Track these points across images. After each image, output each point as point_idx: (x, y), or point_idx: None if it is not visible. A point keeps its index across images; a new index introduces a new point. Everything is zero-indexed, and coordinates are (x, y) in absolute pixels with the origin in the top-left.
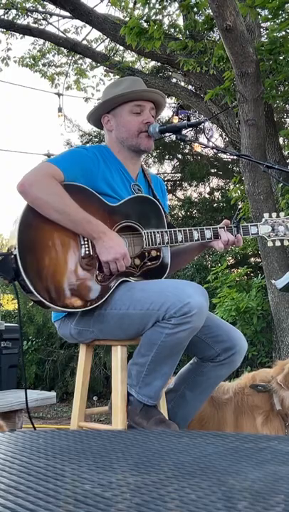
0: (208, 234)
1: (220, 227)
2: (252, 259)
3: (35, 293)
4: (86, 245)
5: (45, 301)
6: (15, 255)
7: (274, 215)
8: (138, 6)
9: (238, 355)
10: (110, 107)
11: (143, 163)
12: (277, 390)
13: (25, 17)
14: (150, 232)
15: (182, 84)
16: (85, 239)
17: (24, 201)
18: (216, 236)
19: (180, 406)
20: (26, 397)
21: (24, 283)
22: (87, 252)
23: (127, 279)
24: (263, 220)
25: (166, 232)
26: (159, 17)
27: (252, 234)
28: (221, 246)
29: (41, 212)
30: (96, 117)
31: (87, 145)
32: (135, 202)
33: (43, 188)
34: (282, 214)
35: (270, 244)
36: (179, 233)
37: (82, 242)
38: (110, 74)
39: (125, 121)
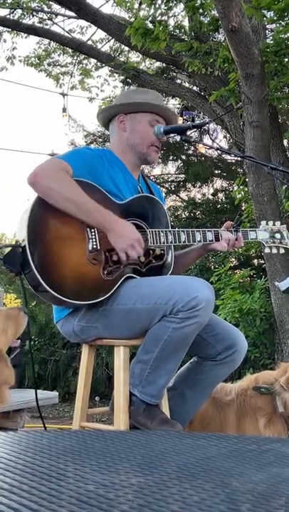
0: (210, 236)
1: (221, 230)
2: (255, 261)
3: (43, 283)
4: (93, 240)
5: (53, 291)
6: (23, 247)
7: (271, 223)
8: (143, 6)
9: (238, 353)
10: (131, 110)
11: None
12: (280, 393)
13: (31, 17)
14: (155, 231)
15: (187, 85)
16: (93, 233)
17: (33, 196)
18: (218, 238)
19: (179, 405)
20: (36, 397)
21: (33, 275)
22: (94, 247)
23: (132, 275)
24: (261, 226)
25: (170, 231)
26: (165, 18)
27: (251, 238)
28: (224, 245)
29: (52, 203)
30: (109, 115)
31: (92, 146)
32: (141, 201)
33: (54, 178)
34: (278, 222)
35: (267, 250)
36: (182, 233)
37: (90, 237)
38: (115, 74)
39: (142, 129)
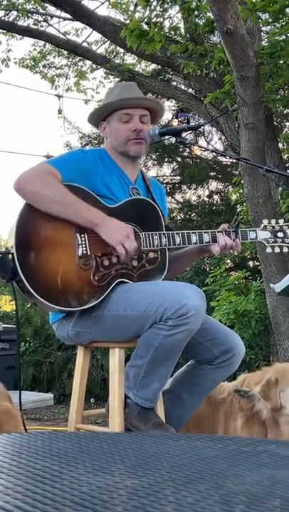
0: (206, 237)
1: (218, 231)
2: (250, 263)
3: (33, 292)
4: (83, 245)
5: (43, 299)
6: (12, 254)
7: (273, 221)
8: (139, 8)
9: (235, 357)
10: (104, 115)
11: (143, 168)
12: (255, 400)
13: (26, 18)
14: (148, 234)
15: (182, 87)
16: (83, 239)
17: (21, 202)
18: (214, 240)
19: (176, 407)
20: (20, 399)
21: (22, 283)
22: (84, 252)
23: (124, 280)
24: (262, 225)
25: (164, 234)
26: (160, 19)
27: (250, 239)
28: (218, 249)
29: (41, 207)
30: (94, 123)
31: (87, 148)
32: (133, 204)
33: (40, 182)
34: (281, 221)
35: (268, 250)
36: (177, 236)
37: (80, 242)
38: (110, 76)
39: (115, 129)
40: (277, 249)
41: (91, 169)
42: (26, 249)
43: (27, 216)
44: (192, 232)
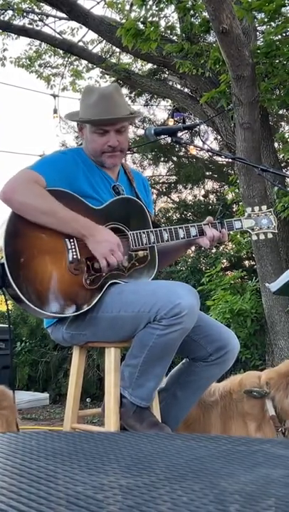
0: (193, 231)
1: (204, 224)
2: (246, 262)
3: (26, 300)
4: (73, 250)
5: (35, 307)
6: (2, 264)
7: (256, 208)
8: (134, 7)
9: (230, 354)
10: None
11: (137, 166)
12: (274, 396)
13: (22, 18)
14: (136, 233)
15: (178, 86)
16: (72, 243)
17: (8, 210)
18: (202, 233)
19: (172, 406)
20: (14, 398)
21: (14, 292)
22: (74, 257)
23: (116, 281)
24: (246, 214)
25: (151, 231)
26: (156, 19)
27: (236, 228)
28: (207, 242)
29: (28, 217)
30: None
31: (65, 149)
32: (118, 203)
33: (26, 192)
34: (264, 207)
35: (254, 238)
36: (164, 232)
37: (70, 247)
38: (106, 76)
39: (90, 139)
40: (262, 236)
41: (73, 170)
42: (16, 259)
43: (14, 225)
44: (179, 227)
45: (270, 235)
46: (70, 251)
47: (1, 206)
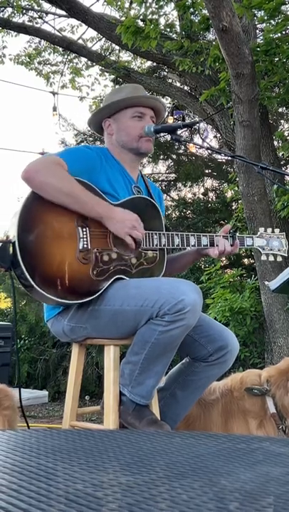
0: (204, 240)
1: (216, 235)
2: (245, 260)
3: (30, 280)
4: (84, 239)
5: (40, 289)
6: (13, 243)
7: (269, 230)
8: (134, 5)
9: (230, 354)
10: (112, 111)
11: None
12: (274, 393)
13: (21, 15)
14: (148, 234)
15: (177, 84)
16: (84, 232)
17: (27, 191)
18: (212, 243)
19: (170, 405)
20: (20, 396)
21: (21, 270)
22: (85, 246)
23: (122, 276)
24: (259, 233)
25: (164, 234)
26: (156, 16)
27: (247, 245)
28: (216, 253)
29: (48, 196)
30: (97, 121)
31: (92, 145)
32: (135, 202)
33: (49, 172)
34: (277, 230)
35: (263, 258)
36: (176, 237)
37: (81, 236)
38: (106, 73)
39: (126, 126)
40: (271, 258)
41: (96, 165)
42: (28, 239)
43: (31, 205)
44: (191, 235)
45: (279, 258)
46: (82, 239)
47: (10, 199)
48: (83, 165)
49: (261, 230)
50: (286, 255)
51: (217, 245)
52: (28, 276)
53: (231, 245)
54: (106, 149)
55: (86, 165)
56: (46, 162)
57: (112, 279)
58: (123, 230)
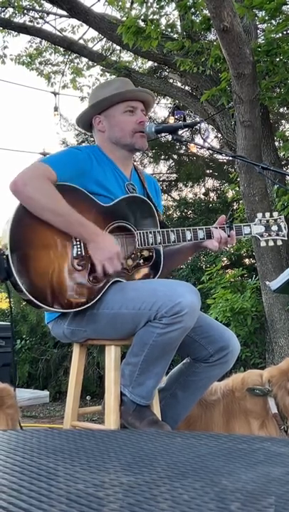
0: (200, 234)
1: (212, 227)
2: (246, 260)
3: (27, 293)
4: (78, 245)
5: (36, 301)
6: (6, 255)
7: (267, 214)
8: (135, 5)
9: (230, 355)
10: (102, 107)
11: (138, 164)
12: (276, 394)
13: (22, 15)
14: (143, 233)
15: (178, 84)
16: (78, 239)
17: (17, 200)
18: (209, 236)
19: (171, 406)
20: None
21: (15, 282)
22: (79, 253)
23: (119, 279)
24: (256, 219)
25: (158, 232)
26: (157, 17)
27: (245, 234)
28: (216, 244)
29: (34, 213)
30: (86, 119)
31: (82, 145)
32: (127, 202)
33: (36, 188)
34: (275, 213)
35: (263, 244)
36: (171, 233)
37: (75, 243)
38: (107, 73)
39: (119, 121)
40: (271, 243)
41: (86, 167)
42: (20, 250)
43: (21, 216)
44: (186, 229)
45: (279, 242)
46: (76, 246)
47: (3, 204)
48: (73, 170)
49: (259, 215)
50: (286, 238)
51: (213, 237)
52: (23, 288)
53: (228, 236)
54: (97, 147)
55: (76, 169)
56: (35, 174)
57: (110, 283)
58: (100, 256)
